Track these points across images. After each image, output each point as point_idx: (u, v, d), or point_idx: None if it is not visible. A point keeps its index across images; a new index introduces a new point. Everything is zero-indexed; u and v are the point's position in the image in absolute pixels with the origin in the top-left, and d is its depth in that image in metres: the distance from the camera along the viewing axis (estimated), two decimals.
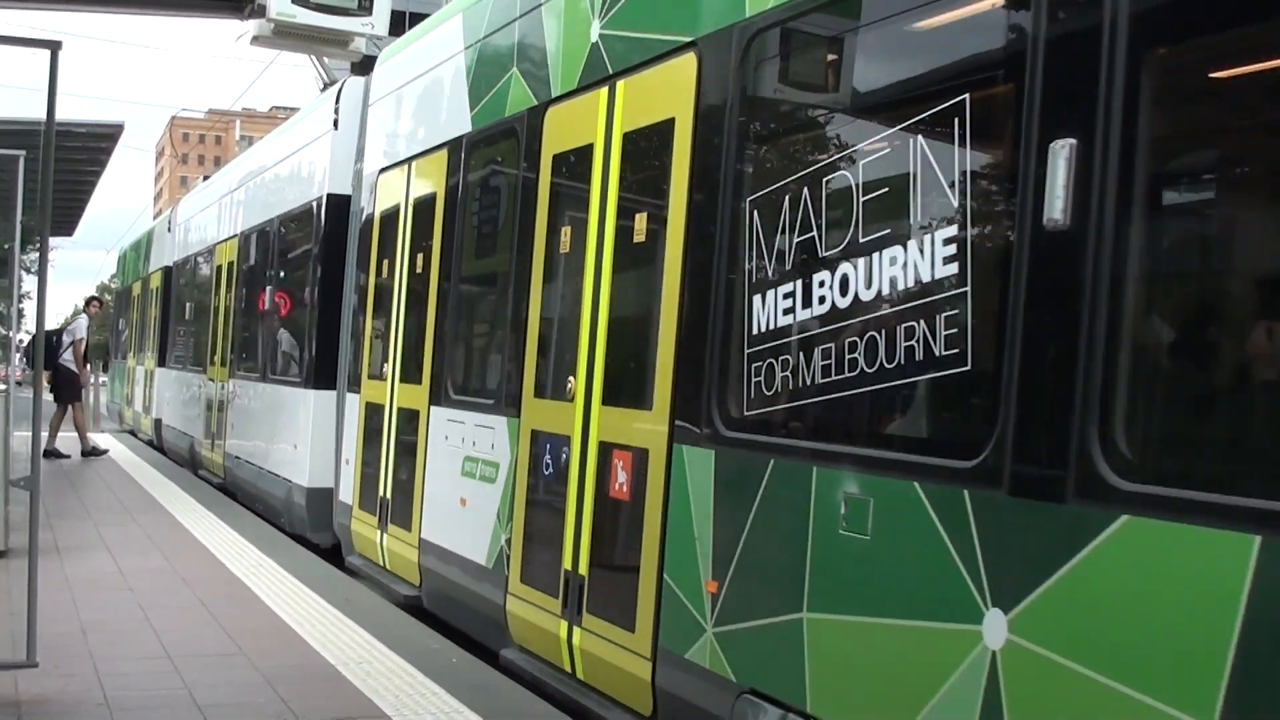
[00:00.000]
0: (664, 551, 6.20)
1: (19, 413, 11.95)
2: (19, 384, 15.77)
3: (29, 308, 25.47)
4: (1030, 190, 4.17)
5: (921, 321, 4.66)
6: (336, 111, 13.19)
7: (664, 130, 6.55)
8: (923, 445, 4.79)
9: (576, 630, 7.03)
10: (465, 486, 8.75)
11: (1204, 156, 4.10)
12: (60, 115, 6.68)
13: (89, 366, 22.13)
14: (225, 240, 18.20)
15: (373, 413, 10.88)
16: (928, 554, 4.50)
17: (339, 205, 12.73)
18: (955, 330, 4.53)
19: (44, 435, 11.90)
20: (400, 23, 11.40)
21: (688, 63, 6.33)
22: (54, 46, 6.44)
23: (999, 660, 4.18)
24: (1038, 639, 4.04)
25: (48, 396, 19.25)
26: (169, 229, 24.08)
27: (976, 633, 4.25)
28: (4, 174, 8.94)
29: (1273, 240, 3.80)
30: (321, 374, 12.80)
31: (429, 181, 10.04)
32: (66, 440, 22.23)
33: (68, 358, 20.03)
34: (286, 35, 7.34)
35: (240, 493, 15.85)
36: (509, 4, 8.77)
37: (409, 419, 9.93)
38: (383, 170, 11.17)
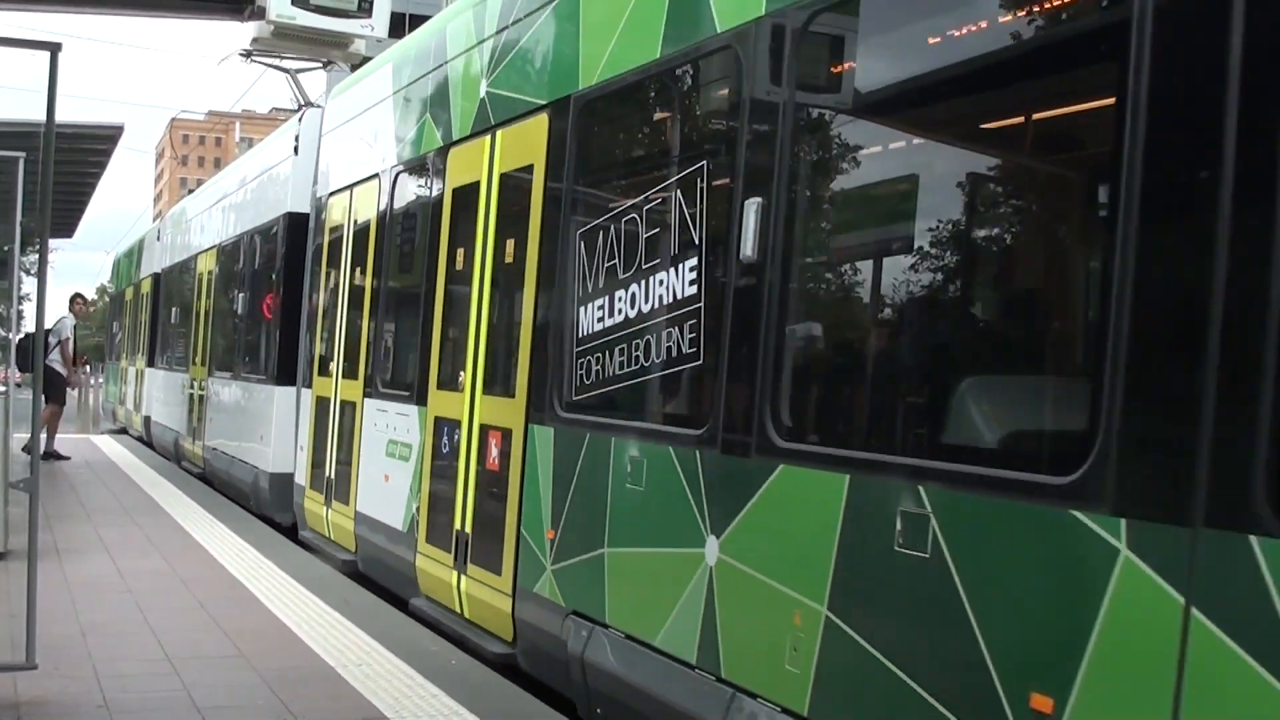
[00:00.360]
0: (521, 509, 7.82)
1: (18, 414, 11.95)
2: (18, 385, 15.77)
3: (28, 309, 25.71)
4: (736, 233, 5.76)
5: (675, 329, 6.35)
6: (297, 139, 14.67)
7: (526, 173, 8.19)
8: (674, 420, 6.56)
9: (463, 578, 8.64)
10: (389, 465, 10.32)
11: (829, 213, 5.91)
12: (60, 117, 6.68)
13: (88, 367, 22.53)
14: (206, 250, 19.71)
15: (321, 405, 12.57)
16: (676, 499, 6.13)
17: (298, 222, 14.26)
18: (694, 335, 6.20)
19: (32, 436, 11.92)
20: (400, 24, 11.48)
21: (542, 121, 7.99)
22: (54, 48, 6.44)
23: (714, 573, 5.86)
24: (735, 555, 5.71)
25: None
26: (158, 238, 25.57)
27: (701, 554, 5.91)
28: (4, 176, 8.95)
29: (864, 276, 5.62)
30: (283, 372, 14.25)
31: (365, 206, 11.72)
32: (66, 441, 22.26)
33: (55, 358, 19.99)
34: (286, 37, 7.35)
35: (216, 480, 17.35)
36: (424, 59, 10.50)
37: (348, 410, 11.65)
38: (331, 194, 12.85)
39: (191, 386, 19.78)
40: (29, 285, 19.53)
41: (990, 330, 4.96)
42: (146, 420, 24.99)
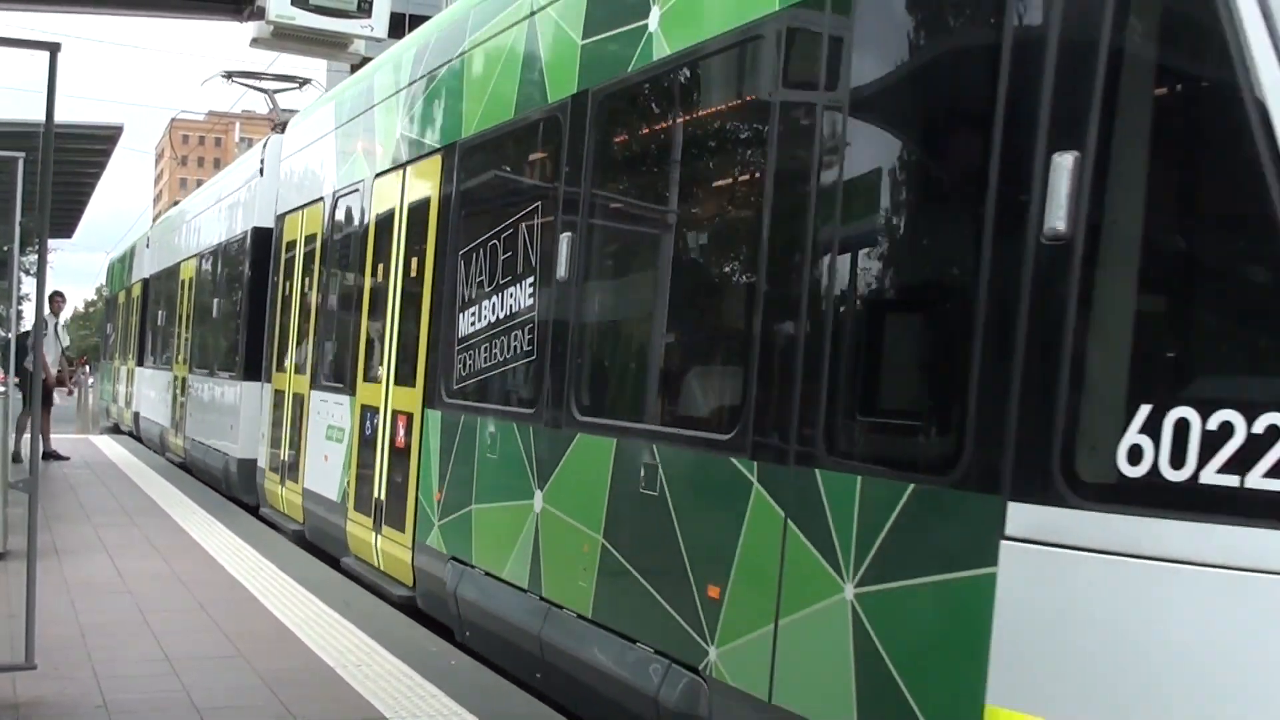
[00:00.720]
0: (419, 477, 9.62)
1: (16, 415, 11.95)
2: (17, 385, 15.79)
3: (28, 309, 26.01)
4: (555, 259, 7.57)
5: (519, 332, 8.13)
6: (262, 162, 16.55)
7: (426, 204, 9.96)
8: (518, 403, 8.17)
9: (379, 537, 10.46)
10: (328, 447, 12.14)
11: (609, 248, 7.64)
12: (59, 117, 6.68)
13: (87, 368, 23.09)
14: (187, 259, 21.40)
15: (278, 398, 14.37)
16: (516, 463, 7.92)
17: (263, 236, 15.94)
18: (530, 338, 7.97)
19: (31, 437, 11.93)
20: (400, 24, 11.54)
21: (437, 161, 9.78)
22: (53, 48, 6.43)
23: (539, 518, 7.59)
24: (551, 503, 7.46)
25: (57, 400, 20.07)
26: (147, 245, 27.18)
27: (531, 504, 7.68)
28: (3, 176, 8.94)
29: (626, 298, 7.49)
30: (249, 369, 15.95)
31: (313, 224, 13.54)
32: (65, 442, 22.25)
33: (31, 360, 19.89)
34: (286, 37, 7.33)
35: (195, 468, 18.97)
36: (358, 101, 12.24)
37: (299, 401, 13.45)
38: (288, 212, 14.66)
39: (174, 384, 21.42)
40: (28, 285, 19.77)
41: (689, 338, 6.76)
42: (136, 416, 26.40)
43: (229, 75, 21.74)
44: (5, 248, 10.93)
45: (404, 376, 10.19)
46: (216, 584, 10.25)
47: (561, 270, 7.47)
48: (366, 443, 10.98)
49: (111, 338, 33.85)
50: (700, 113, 6.70)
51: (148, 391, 25.03)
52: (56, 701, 6.68)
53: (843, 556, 4.93)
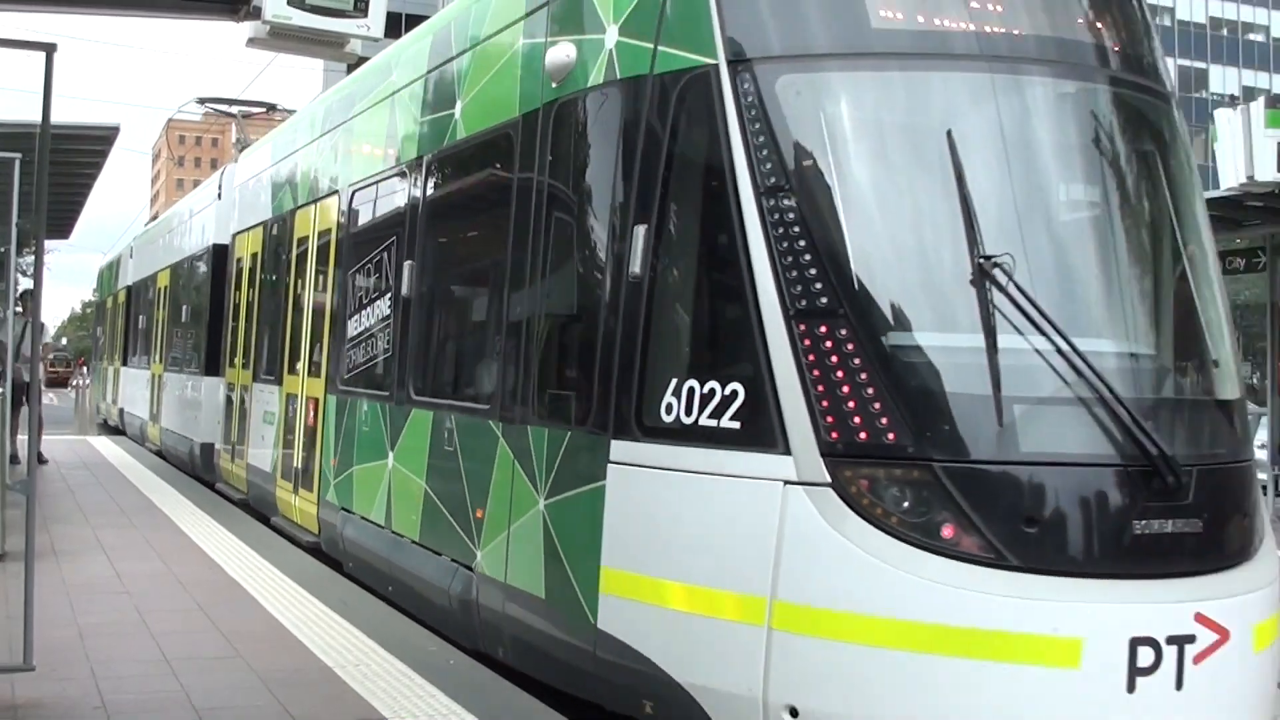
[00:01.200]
0: (322, 448, 12.01)
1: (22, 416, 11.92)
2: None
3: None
4: (401, 280, 10.00)
5: (382, 335, 10.48)
6: (220, 187, 18.92)
7: (330, 233, 12.45)
8: (380, 388, 10.51)
9: (296, 497, 12.90)
10: (264, 429, 14.54)
11: (430, 273, 9.94)
12: (56, 118, 6.67)
13: (85, 368, 24.14)
14: (162, 269, 23.67)
15: (230, 389, 16.74)
16: (379, 433, 10.28)
17: (221, 251, 18.17)
18: (388, 339, 10.29)
19: (29, 438, 11.93)
20: (396, 24, 11.55)
21: (336, 200, 12.36)
22: (49, 49, 6.43)
23: (391, 473, 9.94)
24: (398, 461, 9.79)
25: (46, 400, 20.98)
26: (130, 255, 29.39)
27: (386, 463, 10.01)
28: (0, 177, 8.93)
29: (440, 310, 10.08)
30: (209, 366, 18.29)
31: (255, 243, 16.01)
32: (60, 443, 22.22)
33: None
34: (282, 37, 7.34)
35: (168, 454, 21.32)
36: (285, 144, 15.02)
37: (245, 392, 15.79)
38: (238, 232, 17.17)
39: (151, 381, 23.79)
40: (25, 286, 20.24)
41: (468, 342, 9.54)
42: (121, 411, 28.67)
43: (202, 101, 24.82)
44: (2, 249, 10.92)
45: (314, 370, 12.70)
46: (214, 584, 10.25)
47: (405, 289, 9.94)
48: (289, 424, 13.46)
49: (101, 340, 36.20)
50: (478, 179, 9.34)
51: (130, 389, 27.29)
52: (55, 703, 6.68)
53: (539, 481, 7.37)
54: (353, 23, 7.32)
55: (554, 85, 7.57)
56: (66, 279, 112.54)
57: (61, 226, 24.22)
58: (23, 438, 14.24)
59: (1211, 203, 15.81)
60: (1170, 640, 5.56)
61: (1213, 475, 6.15)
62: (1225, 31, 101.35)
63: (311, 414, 12.47)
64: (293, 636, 8.42)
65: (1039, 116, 6.58)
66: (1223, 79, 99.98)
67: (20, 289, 22.28)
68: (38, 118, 6.65)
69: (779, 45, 6.45)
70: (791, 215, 6.08)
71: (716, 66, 6.38)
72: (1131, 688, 5.49)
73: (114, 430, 29.10)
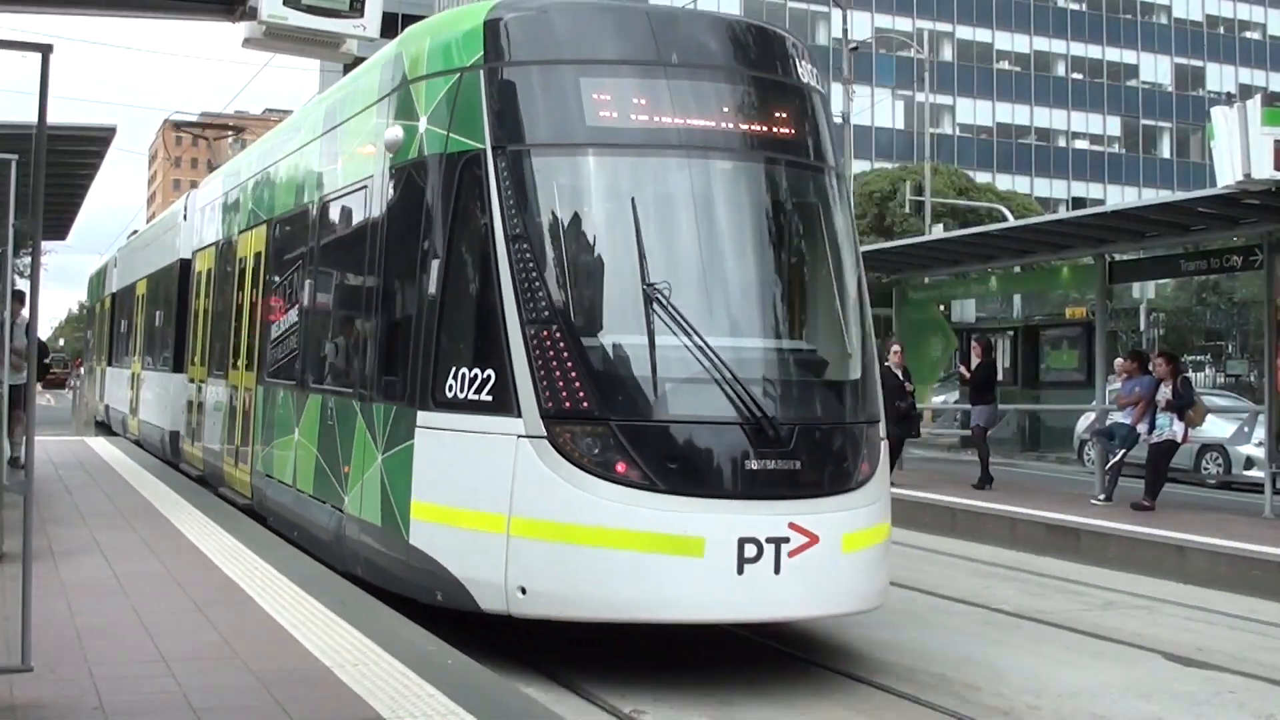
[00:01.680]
0: (253, 429, 14.47)
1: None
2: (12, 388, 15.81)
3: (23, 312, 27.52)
4: (301, 295, 13.06)
5: (291, 337, 13.21)
6: (185, 209, 21.48)
7: (260, 256, 15.02)
8: (290, 378, 12.95)
9: (236, 470, 15.41)
10: (214, 415, 17.10)
11: (289, 290, 13.72)
12: (52, 119, 6.67)
13: (83, 369, 26.32)
14: (139, 279, 26.16)
15: (190, 384, 19.27)
16: (289, 415, 12.79)
17: (185, 265, 20.61)
18: (296, 341, 12.99)
19: (27, 439, 11.93)
20: (393, 24, 11.56)
21: (265, 229, 14.98)
22: (45, 50, 6.43)
23: (296, 443, 12.54)
24: (301, 435, 12.38)
25: (41, 401, 23.25)
26: (114, 265, 32.03)
27: (294, 436, 12.52)
28: None
29: (294, 317, 13.49)
30: (176, 364, 20.71)
31: (208, 261, 18.83)
32: (59, 445, 22.17)
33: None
34: (278, 37, 7.34)
35: (145, 442, 23.74)
36: (231, 179, 17.98)
37: (201, 385, 18.33)
38: (196, 251, 20.02)
39: (131, 379, 26.26)
40: (22, 287, 20.82)
41: (340, 344, 11.88)
42: (106, 407, 31.20)
43: (176, 125, 30.11)
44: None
45: (249, 366, 15.10)
46: (212, 584, 10.24)
47: (305, 302, 12.87)
48: (231, 411, 15.88)
49: (91, 343, 39.30)
50: (349, 220, 11.80)
51: (113, 386, 29.86)
52: (53, 703, 6.68)
53: (379, 441, 10.00)
54: (349, 23, 7.32)
55: (390, 155, 10.34)
56: (63, 280, 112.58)
57: (58, 228, 24.20)
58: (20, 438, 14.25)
59: (1208, 201, 15.90)
60: (769, 540, 8.32)
61: (811, 432, 8.94)
62: (1222, 29, 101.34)
63: (247, 402, 15.00)
64: (290, 636, 8.41)
65: (699, 185, 9.33)
66: (1220, 77, 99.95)
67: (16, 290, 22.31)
68: (34, 118, 6.65)
69: (526, 137, 9.29)
70: (528, 256, 8.90)
71: (485, 150, 9.19)
72: (740, 571, 8.26)
73: (109, 430, 29.33)
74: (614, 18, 9.86)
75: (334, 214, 12.31)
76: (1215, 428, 20.68)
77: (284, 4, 7.02)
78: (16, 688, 6.72)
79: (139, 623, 8.73)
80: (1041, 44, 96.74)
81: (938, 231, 42.85)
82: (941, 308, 24.99)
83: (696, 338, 8.66)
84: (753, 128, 9.57)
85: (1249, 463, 21.82)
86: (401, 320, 9.98)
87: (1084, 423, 23.26)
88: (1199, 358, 48.04)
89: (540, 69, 9.54)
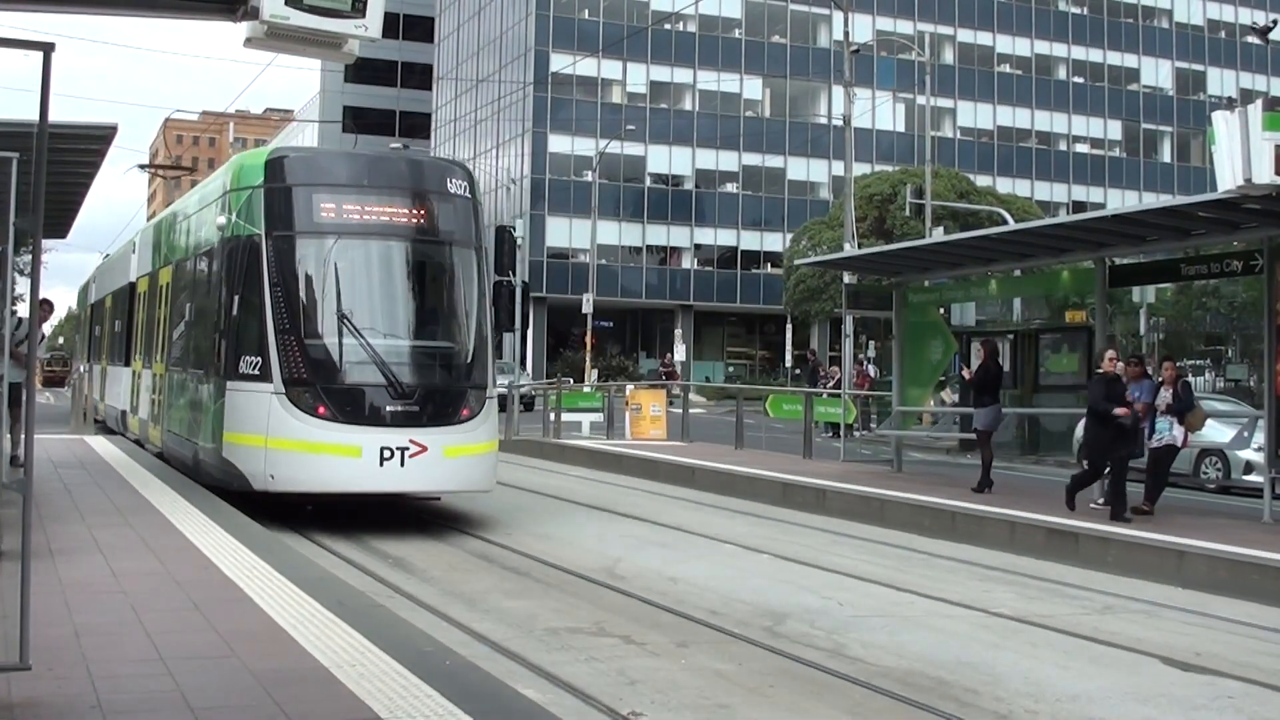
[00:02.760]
0: (161, 400, 20.84)
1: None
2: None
3: (22, 310, 29.59)
4: (172, 317, 21.07)
5: (180, 339, 19.84)
6: (135, 244, 27.47)
7: (167, 285, 21.20)
8: (179, 365, 19.54)
9: (154, 430, 21.48)
10: (146, 395, 22.57)
11: (150, 309, 24.09)
12: (53, 117, 6.66)
13: (80, 367, 38.01)
14: (106, 294, 32.81)
15: (133, 374, 25.07)
16: (179, 387, 19.53)
17: (132, 287, 26.58)
18: (180, 341, 19.89)
19: (26, 437, 11.92)
20: (394, 24, 11.58)
21: (170, 268, 21.29)
22: (47, 48, 6.42)
23: (183, 406, 19.13)
24: (183, 400, 19.22)
25: (42, 399, 30.64)
26: (94, 281, 38.73)
27: (182, 401, 19.23)
28: None
29: (164, 328, 22.48)
30: (126, 360, 26.64)
31: (144, 286, 24.41)
32: (58, 443, 22.16)
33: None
34: (279, 37, 7.34)
35: (108, 419, 30.22)
36: (157, 229, 23.93)
37: (138, 374, 24.18)
38: (138, 277, 25.65)
39: (101, 372, 32.74)
40: (23, 286, 21.84)
41: (194, 344, 18.39)
42: (85, 396, 38.01)
43: (143, 167, 37.47)
44: (0, 248, 10.92)
45: (161, 359, 21.26)
46: (210, 584, 10.24)
47: (186, 317, 18.95)
48: (152, 390, 22.07)
49: (78, 345, 47.32)
50: (205, 268, 18.07)
51: (93, 380, 36.00)
52: (51, 702, 6.68)
53: (212, 399, 16.64)
54: (350, 23, 7.30)
55: (220, 233, 17.03)
56: (64, 278, 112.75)
57: (59, 226, 24.17)
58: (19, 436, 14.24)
59: (1209, 205, 15.89)
60: (398, 449, 14.90)
61: (428, 391, 15.66)
62: (1223, 34, 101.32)
63: (159, 384, 21.40)
64: (289, 636, 8.41)
65: (377, 253, 16.22)
66: (1220, 81, 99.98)
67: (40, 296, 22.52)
68: (35, 117, 6.64)
69: (282, 227, 15.83)
70: (280, 295, 15.52)
71: (261, 234, 15.81)
72: (381, 465, 14.83)
73: (109, 429, 29.60)
74: (333, 158, 18.98)
75: (199, 265, 18.88)
76: (1215, 432, 20.68)
77: (286, 4, 7.00)
78: (14, 686, 6.72)
79: (137, 622, 8.73)
80: (1042, 47, 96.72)
81: (938, 234, 42.88)
82: (942, 311, 24.94)
83: (364, 340, 15.51)
84: (413, 221, 16.39)
85: (1248, 467, 21.80)
86: (221, 331, 16.74)
87: (1083, 426, 23.24)
88: (1199, 362, 48.05)
89: (292, 188, 16.27)
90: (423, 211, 16.49)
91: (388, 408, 15.35)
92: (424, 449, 15.15)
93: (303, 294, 15.87)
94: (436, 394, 15.88)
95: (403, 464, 15.02)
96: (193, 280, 19.14)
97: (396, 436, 15.09)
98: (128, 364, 25.99)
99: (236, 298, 16.20)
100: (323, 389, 15.35)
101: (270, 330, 15.45)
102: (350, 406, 15.32)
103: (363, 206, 16.11)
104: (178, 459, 19.06)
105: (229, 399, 15.96)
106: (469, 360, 16.28)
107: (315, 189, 16.24)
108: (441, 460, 15.37)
